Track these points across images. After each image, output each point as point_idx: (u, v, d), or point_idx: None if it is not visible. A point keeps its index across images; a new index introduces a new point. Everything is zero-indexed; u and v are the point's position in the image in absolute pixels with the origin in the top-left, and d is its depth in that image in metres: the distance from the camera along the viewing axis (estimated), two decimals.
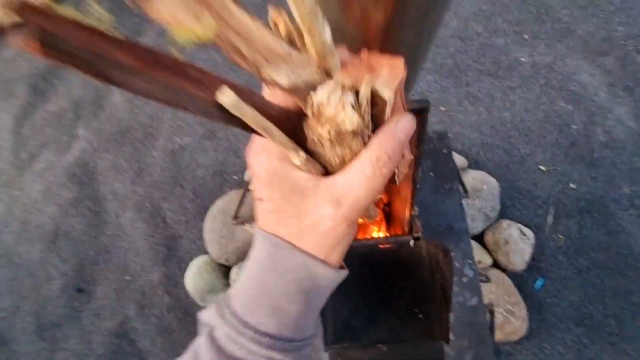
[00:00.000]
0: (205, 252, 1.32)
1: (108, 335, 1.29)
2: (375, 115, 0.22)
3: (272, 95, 0.23)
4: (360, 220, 0.44)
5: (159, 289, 1.32)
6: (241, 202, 1.18)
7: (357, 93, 0.20)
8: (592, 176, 1.30)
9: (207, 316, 0.24)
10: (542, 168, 1.34)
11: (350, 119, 0.20)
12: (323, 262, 0.23)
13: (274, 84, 0.20)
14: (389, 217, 0.69)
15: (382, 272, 0.47)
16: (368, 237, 0.53)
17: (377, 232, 0.60)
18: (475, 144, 1.39)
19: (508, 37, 1.53)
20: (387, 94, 0.20)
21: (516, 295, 1.17)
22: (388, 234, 0.57)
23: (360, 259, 0.47)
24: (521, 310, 1.16)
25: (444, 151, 0.84)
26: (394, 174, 0.26)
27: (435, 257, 0.42)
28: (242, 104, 0.19)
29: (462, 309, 0.74)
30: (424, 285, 0.43)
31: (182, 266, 1.33)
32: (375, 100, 0.21)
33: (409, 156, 0.28)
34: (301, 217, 0.22)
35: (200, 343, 0.23)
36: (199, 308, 1.25)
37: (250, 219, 1.26)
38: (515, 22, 1.56)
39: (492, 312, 1.00)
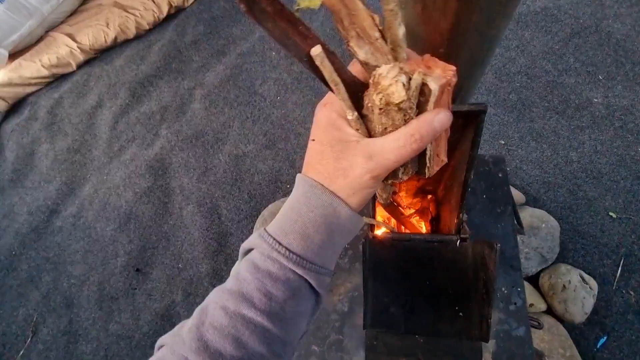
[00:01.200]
0: None
1: (155, 315, 1.39)
2: (421, 103, 0.27)
3: (351, 65, 0.29)
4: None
5: (205, 281, 1.41)
6: None
7: (411, 81, 0.26)
8: None
9: (248, 241, 0.30)
10: (612, 215, 1.23)
11: (398, 93, 0.25)
12: (345, 203, 0.28)
13: (353, 54, 0.27)
14: (437, 227, 0.70)
15: (425, 267, 0.48)
16: (415, 232, 0.55)
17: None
18: (535, 180, 1.33)
19: (580, 77, 1.48)
20: (433, 86, 0.25)
21: (572, 350, 1.06)
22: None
23: (405, 252, 0.49)
24: None
25: (499, 175, 0.84)
26: (425, 166, 0.31)
27: (481, 254, 0.42)
28: (326, 60, 0.25)
29: (507, 338, 0.70)
30: (467, 285, 0.44)
31: (229, 262, 1.42)
32: (424, 90, 0.26)
33: (443, 158, 0.33)
34: (339, 160, 0.28)
35: (239, 266, 0.29)
36: None
37: None
38: (589, 63, 1.51)
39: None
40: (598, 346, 1.10)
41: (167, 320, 1.38)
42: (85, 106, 1.91)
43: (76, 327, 1.45)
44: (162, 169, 1.65)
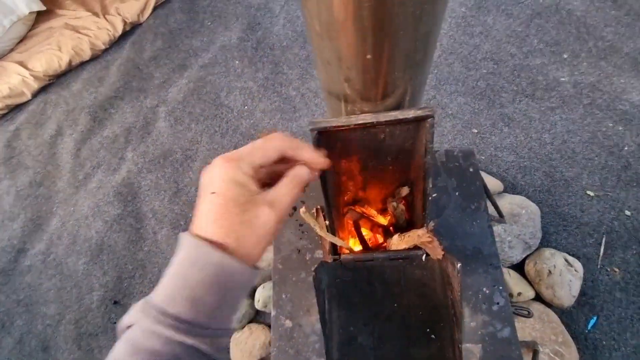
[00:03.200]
0: None
1: None
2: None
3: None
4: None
5: None
6: None
7: None
8: None
9: (127, 317, 0.27)
10: (590, 193, 1.22)
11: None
12: (240, 260, 0.27)
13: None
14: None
15: (392, 288, 0.44)
16: (378, 250, 0.51)
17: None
18: (511, 166, 1.31)
19: (545, 57, 1.48)
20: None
21: (564, 335, 1.05)
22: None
23: (370, 274, 0.45)
24: (572, 352, 1.03)
25: (470, 169, 0.81)
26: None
27: (446, 271, 0.39)
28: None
29: (492, 341, 0.67)
30: (436, 304, 0.40)
31: None
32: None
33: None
34: (245, 213, 0.28)
35: (117, 347, 0.26)
36: None
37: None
38: (553, 42, 1.50)
39: (535, 352, 0.90)
40: (589, 327, 1.09)
41: None
42: (45, 136, 1.81)
43: None
44: (132, 194, 1.57)
